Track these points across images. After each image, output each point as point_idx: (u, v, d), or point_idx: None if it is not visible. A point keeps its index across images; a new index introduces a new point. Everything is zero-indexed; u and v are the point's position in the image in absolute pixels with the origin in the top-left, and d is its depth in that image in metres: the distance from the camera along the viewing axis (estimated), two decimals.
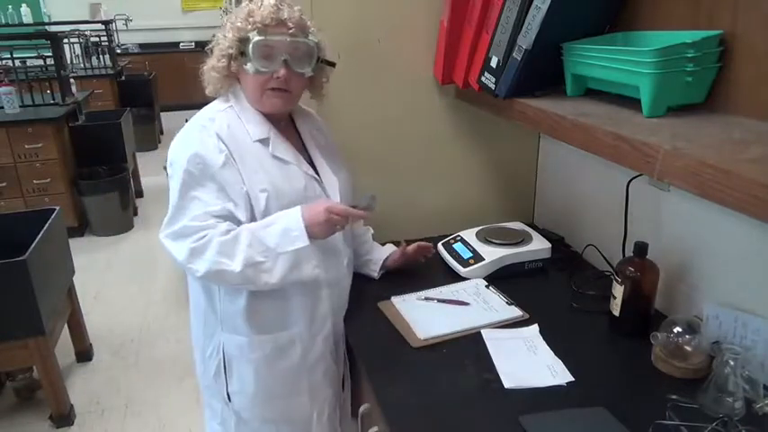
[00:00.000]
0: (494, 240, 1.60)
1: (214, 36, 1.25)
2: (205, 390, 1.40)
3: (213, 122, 1.23)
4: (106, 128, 4.21)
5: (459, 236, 1.67)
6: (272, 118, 1.28)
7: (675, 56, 0.96)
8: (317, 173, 1.32)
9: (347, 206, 1.23)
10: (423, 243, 1.58)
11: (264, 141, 1.24)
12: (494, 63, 1.29)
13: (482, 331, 1.31)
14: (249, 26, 1.18)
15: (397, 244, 1.59)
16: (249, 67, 1.20)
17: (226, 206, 1.18)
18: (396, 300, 1.44)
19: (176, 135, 1.25)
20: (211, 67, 1.24)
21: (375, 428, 1.19)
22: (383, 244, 1.61)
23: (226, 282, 1.21)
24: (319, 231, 1.20)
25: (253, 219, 1.21)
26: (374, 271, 1.54)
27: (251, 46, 1.18)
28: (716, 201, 0.78)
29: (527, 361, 1.21)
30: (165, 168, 1.27)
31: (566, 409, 1.06)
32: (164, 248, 1.20)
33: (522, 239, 1.60)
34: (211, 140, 1.20)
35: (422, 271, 1.58)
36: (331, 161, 1.36)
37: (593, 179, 1.61)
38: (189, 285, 1.37)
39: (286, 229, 1.18)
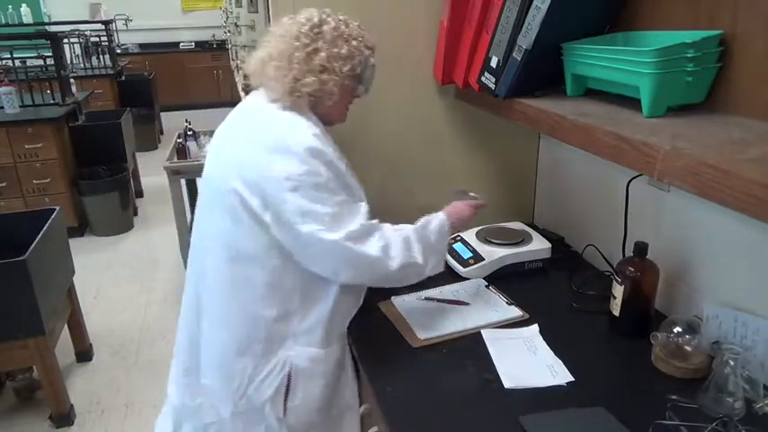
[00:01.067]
0: (494, 240, 1.60)
1: (353, 58, 1.21)
2: (236, 416, 1.25)
3: (316, 128, 1.18)
4: (106, 128, 4.21)
5: (459, 236, 1.67)
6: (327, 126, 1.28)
7: (675, 56, 0.96)
8: None
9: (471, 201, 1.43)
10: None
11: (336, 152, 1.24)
12: (494, 63, 1.29)
13: (482, 331, 1.31)
14: (369, 51, 1.24)
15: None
16: (361, 89, 1.28)
17: (366, 205, 1.20)
18: (396, 300, 1.44)
19: (279, 146, 1.15)
20: (340, 86, 1.21)
21: (375, 428, 1.19)
22: None
23: (407, 277, 1.24)
24: (461, 227, 1.40)
25: None
26: None
27: (370, 69, 1.25)
28: (716, 201, 0.78)
29: (527, 361, 1.21)
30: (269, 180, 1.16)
31: (565, 409, 1.06)
32: (339, 253, 1.14)
33: (522, 239, 1.60)
34: (328, 147, 1.17)
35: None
36: None
37: (593, 179, 1.61)
38: (219, 308, 1.25)
39: (441, 226, 1.30)
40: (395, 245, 1.19)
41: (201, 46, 7.95)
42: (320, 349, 1.24)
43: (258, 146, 1.16)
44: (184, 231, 3.16)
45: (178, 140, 3.19)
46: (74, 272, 2.63)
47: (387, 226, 1.22)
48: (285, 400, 1.23)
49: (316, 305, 1.22)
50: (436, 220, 1.31)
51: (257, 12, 2.45)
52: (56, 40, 4.06)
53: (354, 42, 1.20)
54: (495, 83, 1.29)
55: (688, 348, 1.15)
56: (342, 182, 1.18)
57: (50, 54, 4.03)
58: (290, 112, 1.19)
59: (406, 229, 1.25)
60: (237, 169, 1.16)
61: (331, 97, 1.20)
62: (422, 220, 1.30)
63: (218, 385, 1.26)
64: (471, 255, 1.57)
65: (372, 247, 1.16)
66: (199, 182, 1.36)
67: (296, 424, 1.26)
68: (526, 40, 1.18)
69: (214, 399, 1.29)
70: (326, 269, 1.18)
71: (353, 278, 1.19)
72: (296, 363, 1.22)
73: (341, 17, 1.23)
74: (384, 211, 1.42)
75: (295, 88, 1.17)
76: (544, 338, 1.28)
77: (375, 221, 1.20)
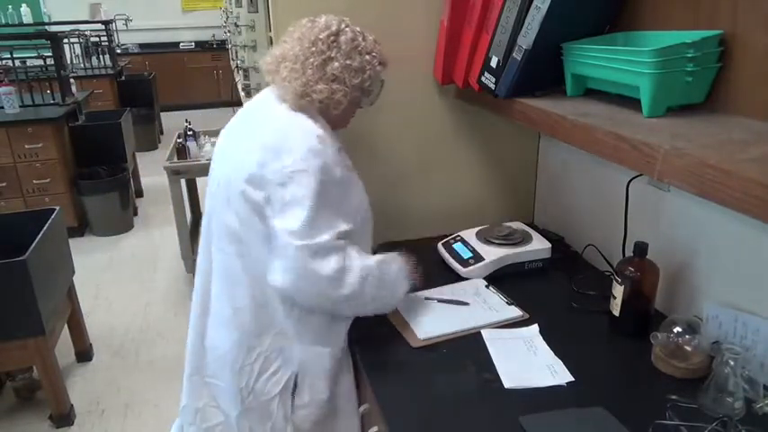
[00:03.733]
0: (494, 240, 1.60)
1: (364, 72, 1.22)
2: (245, 414, 1.27)
3: (322, 131, 1.19)
4: (106, 128, 4.21)
5: (459, 236, 1.67)
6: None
7: (675, 56, 0.96)
8: None
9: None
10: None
11: (340, 151, 1.23)
12: (494, 63, 1.29)
13: (482, 331, 1.31)
14: (381, 66, 1.26)
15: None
16: (366, 102, 1.31)
17: (348, 226, 1.18)
18: None
19: (284, 142, 1.17)
20: (348, 97, 1.22)
21: (375, 428, 1.19)
22: (382, 243, 1.61)
23: (349, 309, 1.23)
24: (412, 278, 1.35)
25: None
26: None
27: (379, 83, 1.29)
28: (716, 201, 0.78)
29: (527, 361, 1.21)
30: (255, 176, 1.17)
31: (565, 409, 1.06)
32: (293, 259, 1.13)
33: (522, 239, 1.60)
34: (330, 150, 1.17)
35: (422, 271, 1.58)
36: None
37: (593, 179, 1.61)
38: (235, 302, 1.25)
39: (399, 270, 1.30)
40: (352, 274, 1.17)
41: (201, 46, 7.95)
42: (324, 348, 1.24)
43: (263, 142, 1.18)
44: (184, 231, 3.16)
45: (178, 140, 3.19)
46: (74, 272, 2.63)
47: (353, 254, 1.19)
48: (293, 399, 1.25)
49: None
50: (395, 264, 1.29)
51: (257, 12, 2.45)
52: (56, 40, 4.06)
53: (368, 57, 1.22)
54: (495, 83, 1.29)
55: (688, 348, 1.15)
56: (334, 190, 1.17)
57: (50, 54, 4.03)
58: (297, 113, 1.20)
59: (370, 262, 1.22)
60: (244, 167, 1.18)
61: (338, 107, 1.22)
62: (383, 257, 1.28)
63: (226, 383, 1.27)
64: (471, 255, 1.57)
65: (326, 267, 1.14)
66: (205, 180, 1.36)
67: (301, 423, 1.27)
68: (526, 40, 1.18)
69: (220, 399, 1.30)
70: (277, 269, 1.16)
71: (296, 290, 1.17)
72: (303, 360, 1.24)
73: (358, 29, 1.24)
74: (384, 211, 1.43)
75: (305, 93, 1.19)
76: (544, 338, 1.28)
77: (342, 242, 1.18)
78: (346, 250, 1.18)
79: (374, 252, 1.51)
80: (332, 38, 1.20)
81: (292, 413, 1.25)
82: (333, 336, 1.26)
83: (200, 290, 1.33)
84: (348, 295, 1.18)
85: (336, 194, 1.18)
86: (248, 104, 1.33)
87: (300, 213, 1.12)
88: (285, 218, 1.13)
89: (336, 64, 1.19)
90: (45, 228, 2.24)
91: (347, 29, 1.22)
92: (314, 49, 1.19)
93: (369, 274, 1.20)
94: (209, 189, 1.31)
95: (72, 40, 5.72)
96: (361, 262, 1.19)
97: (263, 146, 1.17)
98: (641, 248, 1.25)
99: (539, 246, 1.59)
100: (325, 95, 1.19)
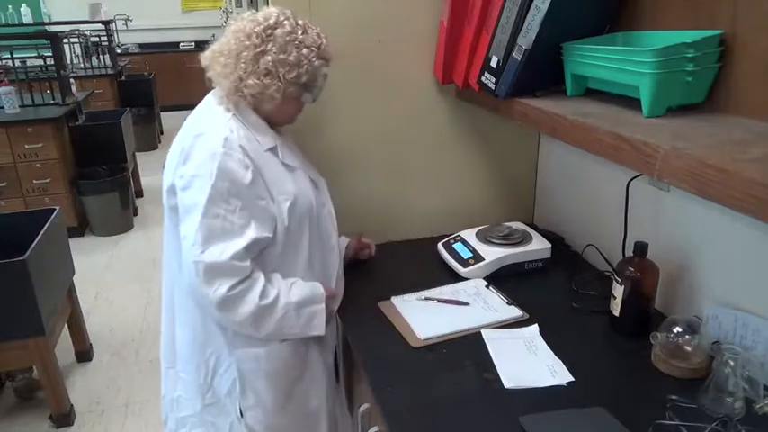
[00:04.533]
0: (494, 240, 1.60)
1: (297, 64, 1.18)
2: (206, 409, 1.31)
3: (233, 134, 1.16)
4: (106, 128, 4.20)
5: (459, 236, 1.67)
6: (273, 126, 1.26)
7: (675, 56, 0.96)
8: None
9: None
10: (365, 241, 1.60)
11: (274, 150, 1.22)
12: (494, 63, 1.29)
13: (482, 331, 1.31)
14: (321, 61, 1.20)
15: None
16: (307, 97, 1.24)
17: (261, 233, 1.16)
18: (396, 300, 1.44)
19: (192, 146, 1.17)
20: (282, 92, 1.18)
21: (375, 428, 1.19)
22: (382, 244, 1.61)
23: (243, 329, 1.21)
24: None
25: (275, 232, 1.20)
26: None
27: (320, 79, 1.23)
28: (716, 201, 0.78)
29: (527, 361, 1.21)
30: (167, 176, 1.22)
31: (565, 409, 1.06)
32: (189, 274, 1.13)
33: (522, 239, 1.60)
34: (236, 154, 1.14)
35: (422, 271, 1.59)
36: (307, 162, 1.37)
37: (593, 179, 1.61)
38: (179, 305, 1.30)
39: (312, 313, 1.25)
40: (244, 306, 1.14)
41: (201, 46, 7.82)
42: (260, 348, 1.24)
43: (178, 152, 1.19)
44: None
45: None
46: (74, 272, 2.63)
47: (258, 283, 1.16)
48: (240, 401, 1.27)
49: None
50: (318, 303, 1.26)
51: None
52: (56, 40, 4.05)
53: (305, 51, 1.17)
54: (495, 83, 1.29)
55: (688, 348, 1.15)
56: (241, 194, 1.14)
57: (50, 54, 4.03)
58: (223, 111, 1.19)
59: (280, 297, 1.18)
60: (167, 177, 1.21)
61: (272, 101, 1.19)
62: (305, 294, 1.24)
63: (191, 378, 1.31)
64: (471, 255, 1.57)
65: (214, 291, 1.12)
66: None
67: (254, 424, 1.28)
68: (526, 40, 1.18)
69: (189, 392, 1.33)
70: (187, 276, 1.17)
71: (193, 297, 1.19)
72: (239, 365, 1.25)
73: (300, 22, 1.20)
74: (383, 211, 1.43)
75: (238, 88, 1.17)
76: (544, 338, 1.28)
77: (245, 265, 1.14)
78: (252, 277, 1.15)
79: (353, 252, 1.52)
80: (268, 31, 1.16)
81: (242, 416, 1.27)
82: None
83: (166, 291, 1.34)
84: (240, 323, 1.17)
85: (246, 198, 1.14)
86: (195, 109, 1.32)
87: (193, 220, 1.12)
88: (185, 224, 1.15)
89: (269, 57, 1.15)
90: (45, 228, 2.24)
91: (286, 21, 1.17)
92: (248, 42, 1.16)
93: (270, 312, 1.17)
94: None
95: (72, 40, 5.71)
96: (265, 298, 1.16)
97: (177, 154, 1.18)
98: (641, 248, 1.25)
99: (539, 246, 1.59)
100: (257, 90, 1.16)
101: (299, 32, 1.18)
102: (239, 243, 1.13)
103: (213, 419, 1.31)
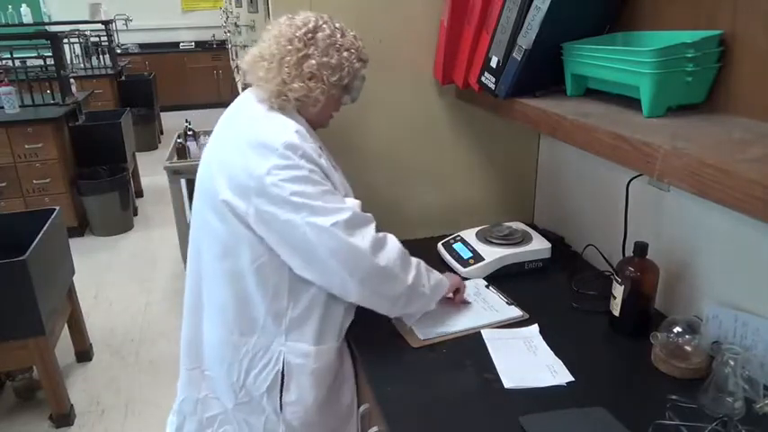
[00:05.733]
0: (494, 240, 1.60)
1: (339, 67, 1.20)
2: (239, 407, 1.29)
3: (299, 127, 1.19)
4: (106, 128, 4.21)
5: (459, 236, 1.67)
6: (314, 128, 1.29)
7: (675, 56, 0.96)
8: None
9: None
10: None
11: (321, 149, 1.23)
12: (494, 63, 1.29)
13: (482, 331, 1.31)
14: (360, 63, 1.24)
15: None
16: (347, 99, 1.29)
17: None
18: None
19: (264, 143, 1.15)
20: (326, 94, 1.21)
21: (375, 428, 1.19)
22: None
23: (379, 291, 1.21)
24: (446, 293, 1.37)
25: None
26: None
27: (359, 81, 1.27)
28: (716, 201, 0.78)
29: (527, 361, 1.21)
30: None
31: (566, 410, 1.06)
32: (325, 240, 1.12)
33: (522, 239, 1.60)
34: (310, 144, 1.17)
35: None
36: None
37: (593, 179, 1.61)
38: (212, 304, 1.29)
39: (441, 280, 1.32)
40: (390, 247, 1.20)
41: (201, 46, 7.94)
42: (311, 346, 1.25)
43: (241, 145, 1.18)
44: (184, 231, 3.16)
45: (178, 140, 3.19)
46: (74, 272, 2.63)
47: (389, 234, 1.23)
48: (281, 396, 1.26)
49: (305, 301, 1.23)
50: (438, 275, 1.32)
51: (257, 12, 2.45)
52: (56, 40, 4.06)
53: (346, 53, 1.20)
54: (495, 83, 1.29)
55: (688, 348, 1.15)
56: (324, 177, 1.18)
57: (50, 54, 4.03)
58: (274, 112, 1.21)
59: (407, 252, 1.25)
60: (224, 170, 1.19)
61: (316, 104, 1.22)
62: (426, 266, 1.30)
63: (220, 377, 1.30)
64: (471, 255, 1.57)
65: (363, 238, 1.15)
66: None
67: (293, 419, 1.28)
68: (526, 40, 1.18)
69: (218, 391, 1.33)
70: (300, 258, 1.16)
71: (327, 271, 1.16)
72: (288, 358, 1.25)
73: (337, 25, 1.23)
74: (384, 211, 1.43)
75: (282, 92, 1.18)
76: (544, 338, 1.28)
77: (369, 215, 1.20)
78: (374, 224, 1.20)
79: None
80: (309, 35, 1.18)
81: (281, 410, 1.27)
82: (320, 335, 1.26)
83: (192, 288, 1.33)
84: (393, 262, 1.19)
85: (328, 180, 1.19)
86: (229, 108, 1.33)
87: (305, 201, 1.12)
88: (291, 212, 1.12)
89: (313, 61, 1.18)
90: (45, 228, 2.24)
91: (324, 25, 1.20)
92: (290, 47, 1.17)
93: (410, 262, 1.24)
94: (196, 192, 1.32)
95: (72, 40, 5.71)
96: (399, 245, 1.22)
97: (242, 149, 1.18)
98: (641, 248, 1.25)
99: (539, 246, 1.59)
100: (302, 93, 1.18)
101: (339, 36, 1.21)
102: (354, 201, 1.20)
103: (246, 417, 1.30)
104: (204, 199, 1.26)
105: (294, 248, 1.16)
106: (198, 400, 1.36)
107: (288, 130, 1.16)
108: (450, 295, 1.45)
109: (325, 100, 1.21)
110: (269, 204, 1.13)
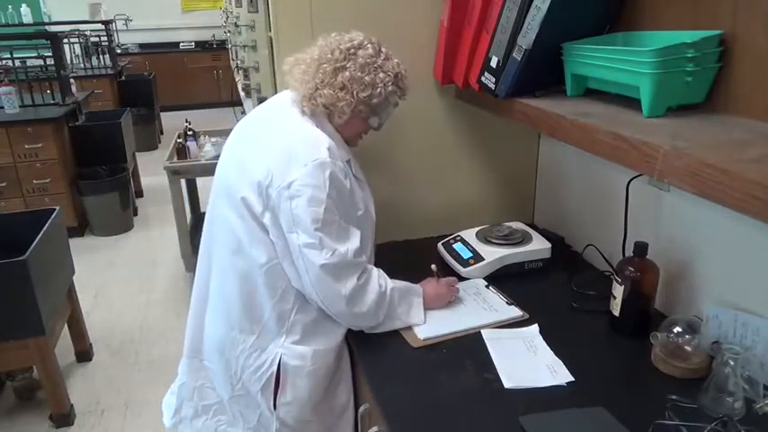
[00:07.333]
0: (494, 240, 1.60)
1: (374, 86, 1.22)
2: (235, 399, 1.33)
3: (332, 142, 1.21)
4: (106, 128, 4.20)
5: (459, 236, 1.67)
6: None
7: (675, 56, 0.96)
8: None
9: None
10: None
11: (348, 163, 1.27)
12: (494, 63, 1.29)
13: (482, 331, 1.31)
14: (394, 88, 1.26)
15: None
16: (374, 121, 1.30)
17: (358, 231, 1.23)
18: None
19: (294, 152, 1.19)
20: (352, 108, 1.23)
21: (375, 428, 1.19)
22: (383, 243, 1.60)
23: (353, 324, 1.29)
24: (439, 305, 1.39)
25: None
26: None
27: (391, 107, 1.29)
28: (716, 201, 0.78)
29: (527, 361, 1.21)
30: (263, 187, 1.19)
31: (566, 410, 1.06)
32: (313, 274, 1.18)
33: (522, 239, 1.60)
34: (339, 164, 1.20)
35: (422, 271, 1.58)
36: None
37: (593, 179, 1.61)
38: (217, 299, 1.32)
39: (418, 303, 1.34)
40: (368, 297, 1.24)
41: (201, 46, 7.94)
42: (309, 348, 1.27)
43: (272, 151, 1.21)
44: (184, 231, 3.16)
45: (178, 140, 3.19)
46: (74, 272, 2.63)
47: (374, 272, 1.27)
48: (275, 396, 1.28)
49: (309, 305, 1.26)
50: (416, 296, 1.35)
51: (257, 12, 2.45)
52: (56, 40, 4.05)
53: (382, 75, 1.23)
54: (495, 83, 1.29)
55: (688, 348, 1.15)
56: (345, 199, 1.21)
57: (50, 54, 4.03)
58: (308, 122, 1.23)
59: (388, 285, 1.28)
60: (248, 170, 1.21)
61: (342, 116, 1.24)
62: (404, 285, 1.34)
63: (219, 369, 1.34)
64: (471, 255, 1.57)
65: (345, 286, 1.20)
66: (205, 180, 1.39)
67: (287, 418, 1.30)
68: (526, 40, 1.18)
69: (215, 381, 1.37)
70: (295, 272, 1.22)
71: (314, 299, 1.23)
72: (285, 360, 1.27)
73: (384, 49, 1.26)
74: (384, 211, 1.43)
75: (313, 95, 1.22)
76: (544, 338, 1.28)
77: (363, 259, 1.24)
78: (365, 270, 1.24)
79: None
80: (351, 50, 1.22)
81: (275, 409, 1.29)
82: (318, 337, 1.28)
83: (200, 277, 1.37)
84: (366, 312, 1.24)
85: (346, 203, 1.22)
86: (264, 105, 1.36)
87: (314, 228, 1.16)
88: (300, 233, 1.17)
89: (347, 74, 1.21)
90: (45, 228, 2.24)
91: (369, 45, 1.24)
92: (330, 56, 1.21)
93: (383, 297, 1.26)
94: (215, 186, 1.34)
95: (72, 40, 5.71)
96: (377, 286, 1.25)
97: (272, 154, 1.20)
98: (641, 248, 1.25)
99: (539, 246, 1.59)
100: (330, 101, 1.21)
101: (381, 58, 1.24)
102: (354, 242, 1.22)
103: (241, 409, 1.34)
104: (223, 195, 1.28)
105: (291, 262, 1.21)
106: (195, 388, 1.40)
107: (321, 146, 1.19)
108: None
109: (350, 113, 1.23)
110: (281, 214, 1.17)
